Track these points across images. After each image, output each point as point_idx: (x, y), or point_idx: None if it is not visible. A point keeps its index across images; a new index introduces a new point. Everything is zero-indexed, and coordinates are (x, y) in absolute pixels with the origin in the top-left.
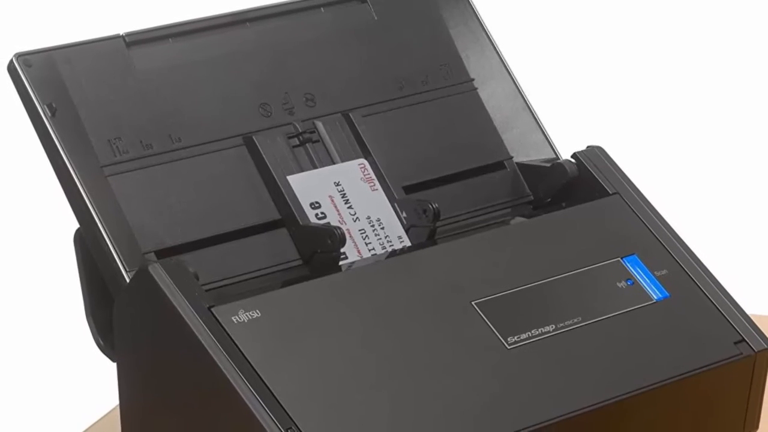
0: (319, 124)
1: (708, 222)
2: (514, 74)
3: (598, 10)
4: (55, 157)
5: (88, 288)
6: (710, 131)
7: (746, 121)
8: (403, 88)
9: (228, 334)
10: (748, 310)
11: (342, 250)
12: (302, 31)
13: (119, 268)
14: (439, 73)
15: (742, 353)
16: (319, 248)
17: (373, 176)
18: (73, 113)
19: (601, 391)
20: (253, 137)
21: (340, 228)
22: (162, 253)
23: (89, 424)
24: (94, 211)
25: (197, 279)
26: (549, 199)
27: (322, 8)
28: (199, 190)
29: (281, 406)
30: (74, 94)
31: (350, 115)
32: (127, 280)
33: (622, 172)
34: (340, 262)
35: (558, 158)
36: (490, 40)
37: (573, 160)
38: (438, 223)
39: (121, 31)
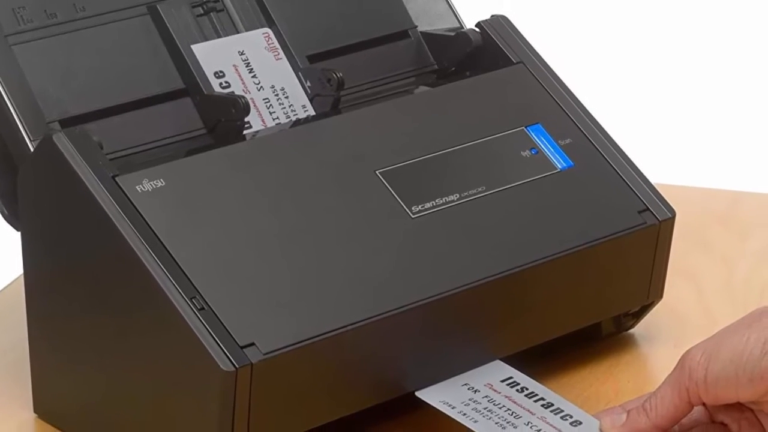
0: None
1: (612, 91)
2: None
3: None
4: None
5: None
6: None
7: None
8: None
9: (132, 203)
10: (652, 179)
11: (246, 119)
12: None
13: (23, 137)
14: None
15: (646, 222)
16: (223, 117)
17: (277, 45)
18: None
19: (505, 260)
20: (157, 6)
21: (244, 97)
22: (66, 122)
23: None
24: None
25: (101, 148)
26: (453, 69)
27: None
28: (104, 60)
29: (185, 274)
30: None
31: None
32: (32, 149)
33: (527, 41)
34: (244, 131)
35: (462, 27)
36: None
37: (477, 29)
38: (342, 92)
39: None
